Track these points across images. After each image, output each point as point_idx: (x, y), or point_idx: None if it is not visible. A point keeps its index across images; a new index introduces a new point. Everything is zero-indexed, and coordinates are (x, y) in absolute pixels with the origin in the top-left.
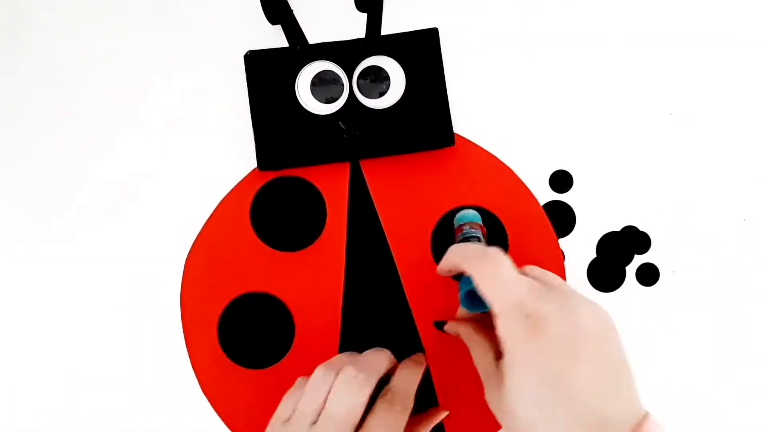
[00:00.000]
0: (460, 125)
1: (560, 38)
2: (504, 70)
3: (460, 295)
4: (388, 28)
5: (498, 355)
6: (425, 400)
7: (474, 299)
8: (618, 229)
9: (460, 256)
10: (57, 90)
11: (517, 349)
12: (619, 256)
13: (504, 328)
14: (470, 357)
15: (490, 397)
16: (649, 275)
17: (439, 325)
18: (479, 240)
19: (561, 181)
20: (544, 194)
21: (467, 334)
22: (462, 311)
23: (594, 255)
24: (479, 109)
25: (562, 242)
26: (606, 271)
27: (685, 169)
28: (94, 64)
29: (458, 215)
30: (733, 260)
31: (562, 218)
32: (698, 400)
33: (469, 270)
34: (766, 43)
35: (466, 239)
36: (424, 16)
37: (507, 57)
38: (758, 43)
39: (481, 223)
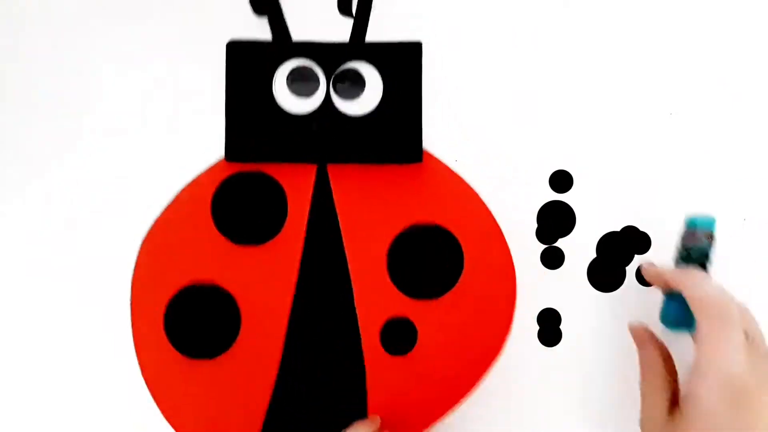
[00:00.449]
0: (432, 142)
1: (559, 39)
2: (493, 81)
3: (664, 307)
4: (373, 35)
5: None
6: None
7: (679, 321)
8: (618, 229)
9: (700, 294)
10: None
11: (712, 409)
12: (619, 256)
13: (707, 390)
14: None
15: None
16: None
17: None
18: (708, 258)
19: (561, 181)
20: (544, 194)
21: (653, 356)
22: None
23: (594, 255)
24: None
25: (562, 242)
26: (606, 271)
27: (685, 169)
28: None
29: (693, 216)
30: (733, 260)
31: (562, 218)
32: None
33: (705, 320)
34: (766, 43)
35: (700, 259)
36: (411, 29)
37: (495, 70)
38: (758, 43)
39: (714, 232)
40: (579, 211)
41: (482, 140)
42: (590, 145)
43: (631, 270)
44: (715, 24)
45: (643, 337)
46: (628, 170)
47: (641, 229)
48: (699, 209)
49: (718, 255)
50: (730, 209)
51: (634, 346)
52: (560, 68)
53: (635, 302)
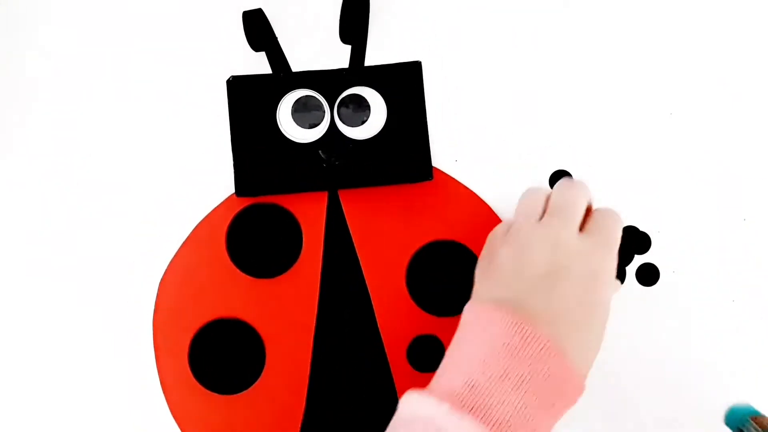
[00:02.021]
0: (440, 159)
1: (558, 39)
2: (494, 83)
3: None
4: (372, 59)
5: None
6: None
7: None
8: None
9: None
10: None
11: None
12: (620, 255)
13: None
14: None
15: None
16: (649, 275)
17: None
18: None
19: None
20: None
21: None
22: None
23: None
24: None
25: None
26: None
27: (685, 169)
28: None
29: (732, 411)
30: (733, 260)
31: None
32: (698, 400)
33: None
34: (766, 43)
35: None
36: (409, 49)
37: (496, 73)
38: (758, 43)
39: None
40: None
41: (487, 146)
42: (590, 146)
43: (631, 270)
44: (715, 24)
45: None
46: (628, 170)
47: (641, 229)
48: (699, 209)
49: (718, 255)
50: (730, 209)
51: (633, 346)
52: (560, 69)
53: (635, 302)
